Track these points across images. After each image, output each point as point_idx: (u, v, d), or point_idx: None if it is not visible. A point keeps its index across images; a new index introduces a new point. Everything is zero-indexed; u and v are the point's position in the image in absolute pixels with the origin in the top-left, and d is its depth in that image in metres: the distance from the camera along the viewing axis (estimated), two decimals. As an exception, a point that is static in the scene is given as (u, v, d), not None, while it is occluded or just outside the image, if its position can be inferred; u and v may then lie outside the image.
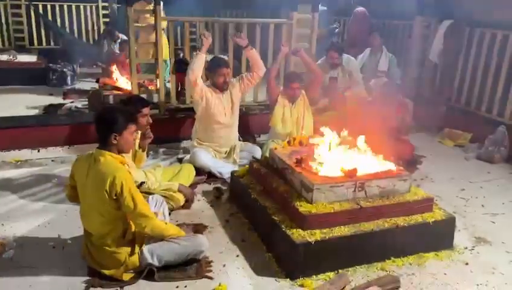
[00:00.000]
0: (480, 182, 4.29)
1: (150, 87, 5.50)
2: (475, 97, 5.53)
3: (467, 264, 2.92)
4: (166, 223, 2.74)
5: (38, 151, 4.49)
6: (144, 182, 3.29)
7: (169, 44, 5.07)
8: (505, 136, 4.83)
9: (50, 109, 5.79)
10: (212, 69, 4.23)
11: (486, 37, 5.34)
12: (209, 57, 6.50)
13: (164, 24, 5.16)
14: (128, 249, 2.56)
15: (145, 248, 2.60)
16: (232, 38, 4.60)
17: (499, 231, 3.36)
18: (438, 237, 3.00)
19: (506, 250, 3.11)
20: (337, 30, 7.32)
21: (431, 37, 5.98)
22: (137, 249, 2.58)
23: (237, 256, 2.92)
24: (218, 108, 4.24)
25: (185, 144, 4.88)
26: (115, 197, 2.41)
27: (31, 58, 7.85)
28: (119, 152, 2.56)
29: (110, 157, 2.48)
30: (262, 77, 4.51)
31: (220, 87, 4.24)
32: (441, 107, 5.86)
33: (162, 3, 6.14)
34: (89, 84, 7.11)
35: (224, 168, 4.11)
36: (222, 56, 4.74)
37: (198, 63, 4.09)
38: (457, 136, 5.43)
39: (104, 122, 2.51)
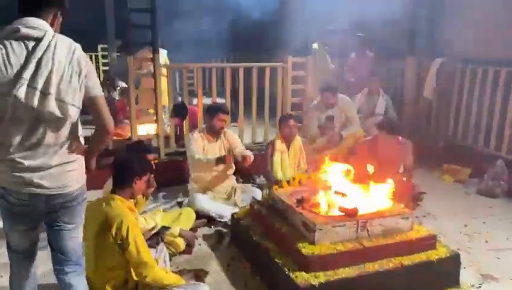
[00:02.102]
0: (482, 217, 4.26)
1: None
2: (471, 132, 5.59)
3: (474, 302, 2.86)
4: (166, 272, 2.70)
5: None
6: (169, 227, 3.31)
7: (168, 89, 5.19)
8: (504, 170, 4.84)
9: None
10: (212, 112, 4.31)
11: (478, 73, 5.46)
12: (207, 100, 6.61)
13: (165, 71, 5.30)
14: (130, 298, 2.51)
15: (147, 298, 2.55)
16: (241, 160, 4.33)
17: (505, 267, 3.31)
18: (443, 275, 2.95)
19: (514, 287, 3.06)
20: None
21: (423, 75, 6.12)
22: (138, 298, 2.54)
23: (240, 302, 2.86)
24: (212, 154, 4.26)
25: (184, 187, 4.87)
26: (119, 242, 2.39)
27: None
28: (131, 197, 2.59)
29: (120, 203, 2.50)
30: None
31: (216, 132, 4.30)
32: (438, 143, 5.91)
33: (166, 51, 6.33)
34: (89, 131, 7.15)
35: (225, 211, 4.09)
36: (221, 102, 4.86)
37: (206, 161, 4.13)
38: (457, 172, 5.43)
39: (129, 164, 2.57)
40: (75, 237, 2.21)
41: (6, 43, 1.92)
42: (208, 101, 6.65)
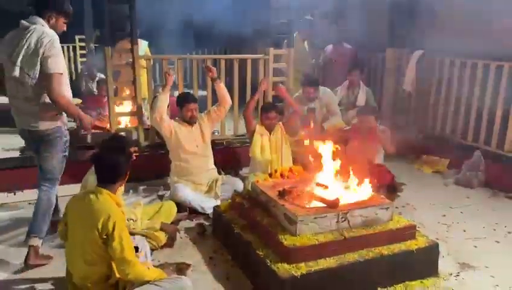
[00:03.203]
0: (460, 207, 4.34)
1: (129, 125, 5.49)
2: (449, 124, 5.67)
3: (453, 290, 2.92)
4: (148, 268, 2.66)
5: (15, 194, 4.38)
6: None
7: (148, 82, 5.12)
8: (481, 161, 4.93)
9: (26, 150, 5.67)
10: (180, 104, 4.34)
11: (456, 65, 5.53)
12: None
13: (144, 62, 5.20)
14: (110, 293, 2.48)
15: (128, 294, 2.51)
16: (204, 68, 4.71)
17: (482, 256, 3.39)
18: (422, 264, 3.00)
19: (490, 274, 3.13)
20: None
21: (403, 67, 6.17)
22: (119, 293, 2.51)
23: (222, 294, 2.86)
24: (189, 139, 4.32)
25: (165, 180, 4.83)
26: (104, 237, 2.35)
27: (6, 99, 7.73)
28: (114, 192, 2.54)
29: (108, 197, 2.44)
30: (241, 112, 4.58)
31: (188, 121, 4.34)
32: (417, 135, 5.98)
33: (147, 42, 6.24)
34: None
35: (206, 203, 4.09)
36: (190, 91, 4.86)
37: (161, 102, 4.22)
38: (435, 163, 5.52)
39: (115, 165, 2.50)
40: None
41: (11, 31, 3.08)
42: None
